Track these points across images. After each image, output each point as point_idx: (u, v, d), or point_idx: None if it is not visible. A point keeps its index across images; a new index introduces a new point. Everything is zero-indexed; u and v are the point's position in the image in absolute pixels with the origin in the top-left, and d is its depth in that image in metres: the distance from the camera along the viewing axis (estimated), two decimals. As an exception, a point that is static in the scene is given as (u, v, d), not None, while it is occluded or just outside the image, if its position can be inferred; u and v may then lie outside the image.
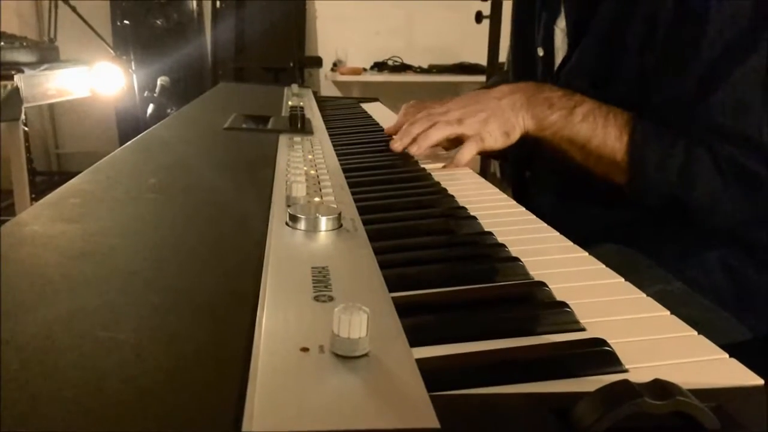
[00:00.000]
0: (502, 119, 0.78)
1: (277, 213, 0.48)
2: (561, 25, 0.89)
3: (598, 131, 0.73)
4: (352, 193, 0.58)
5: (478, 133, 0.79)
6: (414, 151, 0.81)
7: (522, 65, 1.01)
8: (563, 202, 0.85)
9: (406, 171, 0.77)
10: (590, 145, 0.74)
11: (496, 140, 0.79)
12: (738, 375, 0.32)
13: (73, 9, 2.64)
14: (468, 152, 0.79)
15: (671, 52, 0.70)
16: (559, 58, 0.90)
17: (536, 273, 0.44)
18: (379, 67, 3.72)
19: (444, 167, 0.80)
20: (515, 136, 0.79)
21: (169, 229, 0.46)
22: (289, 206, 0.47)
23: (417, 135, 0.81)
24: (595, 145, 0.73)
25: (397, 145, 0.83)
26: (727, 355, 0.34)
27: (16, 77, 1.94)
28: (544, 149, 0.80)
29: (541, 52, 0.94)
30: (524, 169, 0.99)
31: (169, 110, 3.00)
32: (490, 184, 0.73)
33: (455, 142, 0.83)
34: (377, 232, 0.48)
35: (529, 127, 0.78)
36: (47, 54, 2.30)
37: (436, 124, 0.80)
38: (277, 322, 0.30)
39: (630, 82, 0.75)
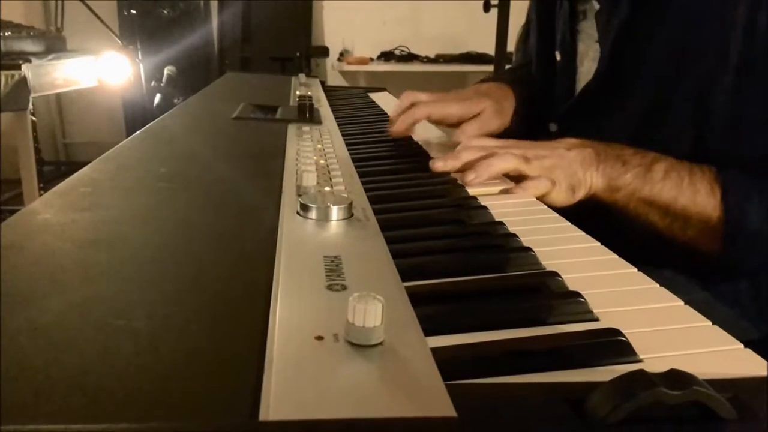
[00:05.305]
0: (569, 171, 0.64)
1: (288, 202, 0.48)
2: (586, 29, 0.79)
3: (685, 189, 0.62)
4: (363, 183, 0.58)
5: (545, 176, 0.65)
6: (471, 179, 0.65)
7: (543, 67, 0.91)
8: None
9: (416, 161, 0.77)
10: (676, 207, 0.62)
11: (558, 193, 0.65)
12: (753, 365, 0.32)
13: (80, -2, 2.64)
14: (537, 186, 0.64)
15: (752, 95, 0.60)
16: (584, 69, 0.80)
17: (548, 263, 0.44)
18: (386, 56, 3.70)
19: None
20: (580, 194, 0.65)
21: (180, 218, 0.46)
22: (299, 196, 0.47)
23: (473, 161, 0.66)
24: (681, 205, 0.62)
25: (439, 164, 0.68)
26: (741, 346, 0.33)
27: (23, 67, 1.94)
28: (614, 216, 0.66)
29: (558, 56, 0.84)
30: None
31: (175, 100, 3.00)
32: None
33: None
34: (388, 222, 0.47)
35: (598, 187, 0.65)
36: (54, 44, 2.29)
37: (497, 154, 0.66)
38: (291, 311, 0.30)
39: (683, 135, 0.65)
